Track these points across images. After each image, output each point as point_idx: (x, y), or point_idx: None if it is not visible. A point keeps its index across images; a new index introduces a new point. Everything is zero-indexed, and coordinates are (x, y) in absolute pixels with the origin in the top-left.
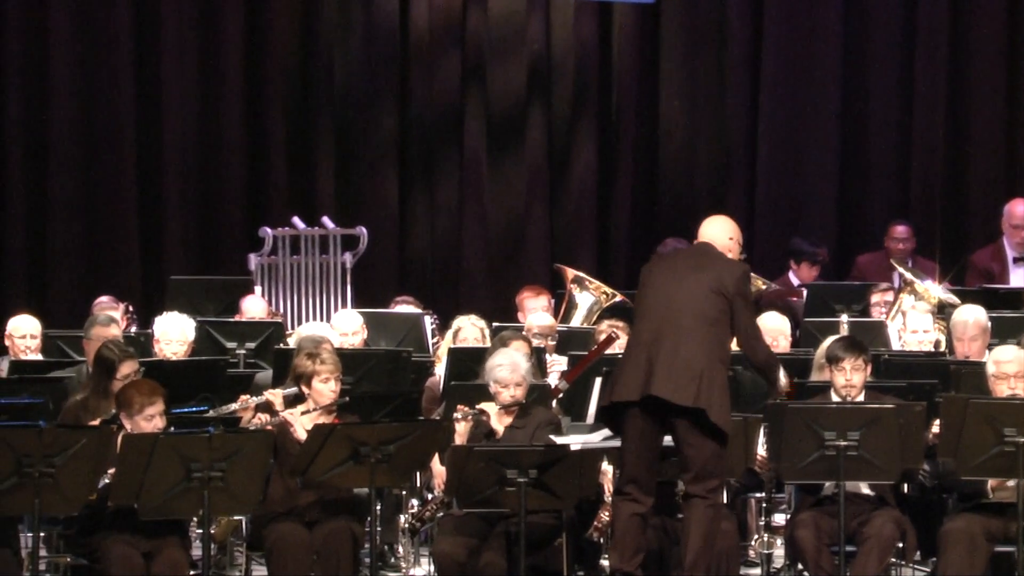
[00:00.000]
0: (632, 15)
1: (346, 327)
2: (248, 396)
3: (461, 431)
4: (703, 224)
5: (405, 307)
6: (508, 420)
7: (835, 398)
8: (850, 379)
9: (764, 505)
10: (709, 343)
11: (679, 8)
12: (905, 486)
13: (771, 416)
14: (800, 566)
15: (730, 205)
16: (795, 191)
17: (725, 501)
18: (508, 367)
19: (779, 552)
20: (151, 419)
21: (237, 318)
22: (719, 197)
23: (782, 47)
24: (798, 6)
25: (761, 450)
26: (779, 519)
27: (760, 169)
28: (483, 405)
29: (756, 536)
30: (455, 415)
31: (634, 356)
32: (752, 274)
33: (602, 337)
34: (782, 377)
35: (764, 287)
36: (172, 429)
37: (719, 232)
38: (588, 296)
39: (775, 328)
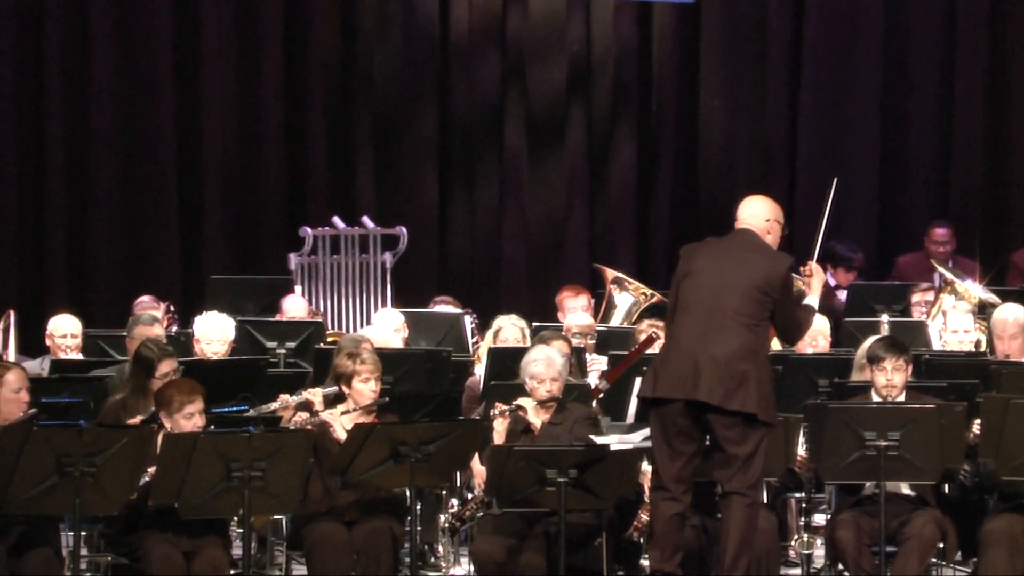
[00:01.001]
0: (672, 15)
1: (389, 325)
2: (288, 395)
3: (499, 428)
4: (742, 205)
5: (444, 307)
6: (545, 416)
7: (876, 398)
8: (891, 379)
9: (804, 505)
10: (753, 342)
11: (719, 7)
12: (946, 486)
13: (811, 416)
14: (840, 566)
15: None
16: (835, 190)
17: (764, 500)
18: (543, 362)
19: (819, 552)
20: (190, 417)
21: (277, 318)
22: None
23: (822, 47)
24: (838, 5)
25: (801, 450)
26: (819, 519)
27: (800, 169)
28: (520, 401)
29: (796, 536)
30: (492, 411)
31: (679, 354)
32: (793, 274)
33: (642, 337)
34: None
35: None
36: (212, 428)
37: (757, 214)
38: (627, 297)
39: (815, 328)
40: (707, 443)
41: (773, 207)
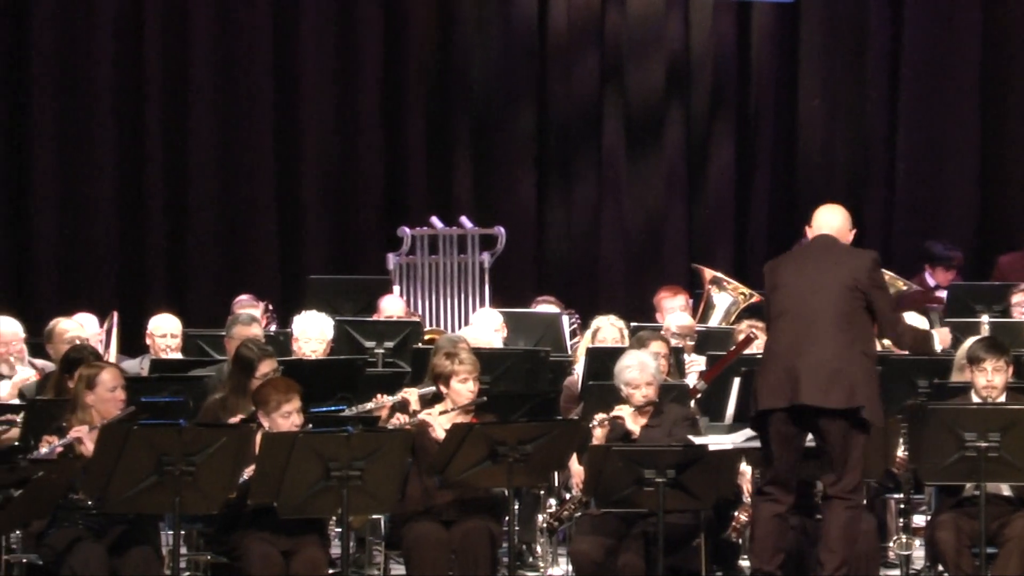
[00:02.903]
0: (771, 14)
1: (489, 325)
2: (384, 395)
3: (599, 436)
4: (819, 214)
5: (546, 307)
6: (643, 420)
7: (976, 399)
8: (991, 380)
9: (903, 506)
10: (850, 340)
11: (818, 7)
12: None
13: (911, 417)
14: (940, 568)
15: (869, 204)
16: (935, 190)
17: (864, 502)
18: (636, 367)
19: (918, 553)
20: (288, 416)
21: (375, 317)
22: (858, 196)
23: (922, 46)
24: (938, 4)
25: (900, 451)
26: (918, 520)
27: (899, 168)
28: (617, 410)
29: (895, 537)
30: (591, 423)
31: (776, 363)
32: (892, 274)
33: (741, 337)
34: (937, 342)
35: (905, 287)
36: (310, 428)
37: (841, 222)
38: (726, 296)
39: None
40: (808, 444)
41: (847, 216)
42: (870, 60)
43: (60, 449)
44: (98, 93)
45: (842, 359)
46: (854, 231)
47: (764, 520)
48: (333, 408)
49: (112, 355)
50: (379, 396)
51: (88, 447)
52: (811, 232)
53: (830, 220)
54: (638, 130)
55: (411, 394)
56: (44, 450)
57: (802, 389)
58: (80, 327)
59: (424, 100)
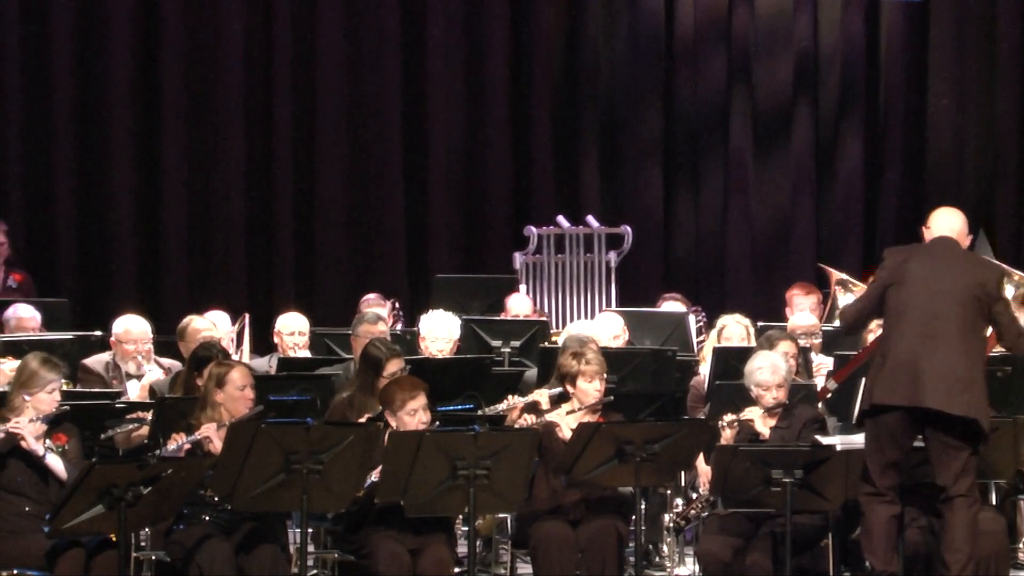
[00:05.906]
0: (900, 12)
1: (607, 330)
2: (514, 397)
3: (727, 436)
4: (938, 217)
5: (672, 303)
6: (772, 422)
7: None
8: None
9: None
10: (973, 349)
11: (948, 5)
12: None
13: None
14: None
15: (999, 205)
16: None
17: (993, 502)
18: (768, 369)
19: None
20: (414, 414)
21: (502, 316)
22: (988, 197)
23: None
24: None
25: None
26: None
27: None
28: (747, 411)
29: None
30: (720, 423)
31: (900, 361)
32: (1022, 274)
33: (871, 338)
34: None
35: None
36: (438, 426)
37: (960, 225)
38: (852, 298)
39: None
40: (917, 446)
41: (966, 220)
42: (1000, 59)
43: (188, 446)
44: (228, 94)
45: (966, 366)
46: (971, 236)
47: (882, 521)
48: (460, 407)
49: (244, 356)
50: (510, 398)
51: (216, 445)
52: (928, 234)
53: (950, 223)
54: (766, 129)
55: (542, 396)
56: (172, 447)
57: (927, 392)
58: (212, 326)
59: (551, 100)
